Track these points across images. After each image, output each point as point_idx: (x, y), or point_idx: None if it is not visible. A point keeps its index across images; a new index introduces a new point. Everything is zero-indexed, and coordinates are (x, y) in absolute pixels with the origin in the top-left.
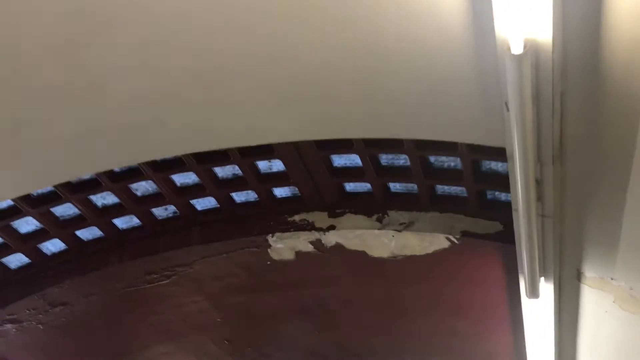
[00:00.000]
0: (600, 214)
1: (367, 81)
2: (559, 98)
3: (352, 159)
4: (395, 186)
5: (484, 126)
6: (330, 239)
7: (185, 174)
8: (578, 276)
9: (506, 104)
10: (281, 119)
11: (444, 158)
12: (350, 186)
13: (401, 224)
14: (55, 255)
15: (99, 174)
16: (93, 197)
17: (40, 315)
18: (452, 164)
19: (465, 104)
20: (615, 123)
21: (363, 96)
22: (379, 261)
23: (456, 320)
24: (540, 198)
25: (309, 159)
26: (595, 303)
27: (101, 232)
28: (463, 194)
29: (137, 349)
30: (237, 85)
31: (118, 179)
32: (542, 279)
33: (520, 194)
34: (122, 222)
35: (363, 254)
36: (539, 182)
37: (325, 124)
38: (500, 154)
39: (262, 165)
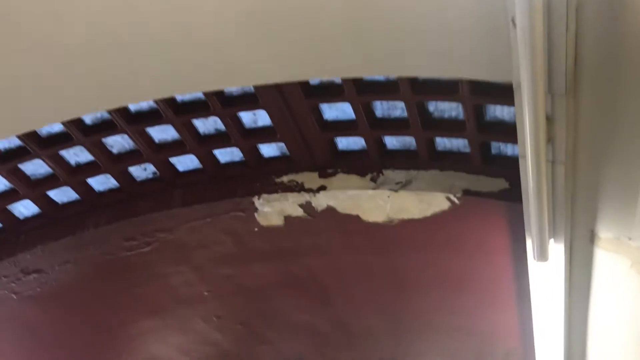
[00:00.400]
0: (619, 159)
1: (355, 5)
2: (574, 10)
3: (344, 111)
4: (391, 142)
5: (488, 56)
6: (321, 201)
7: (164, 128)
8: (591, 238)
9: (512, 20)
10: (262, 57)
11: (444, 106)
12: (342, 143)
13: (397, 183)
14: (27, 219)
15: (68, 126)
16: (65, 154)
17: (13, 284)
18: (454, 113)
19: (467, 29)
20: None
21: (351, 25)
22: (374, 227)
23: (458, 293)
24: (551, 139)
25: (297, 109)
26: (610, 268)
27: (76, 194)
28: (465, 150)
29: (121, 324)
30: (210, 19)
31: (90, 132)
32: (552, 240)
33: (528, 133)
34: (99, 184)
35: (357, 218)
36: (549, 119)
37: (309, 61)
38: (505, 94)
39: (246, 118)
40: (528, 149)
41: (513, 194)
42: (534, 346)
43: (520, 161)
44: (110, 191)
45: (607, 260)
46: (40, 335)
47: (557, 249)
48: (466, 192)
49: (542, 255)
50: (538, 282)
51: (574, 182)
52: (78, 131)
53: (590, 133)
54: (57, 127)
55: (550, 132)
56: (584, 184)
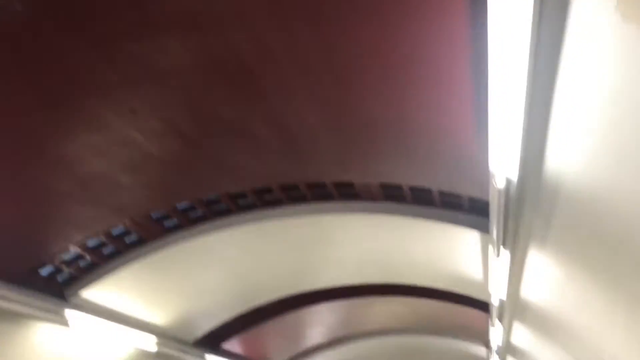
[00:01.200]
0: None
1: None
2: None
3: None
4: None
5: None
6: None
7: None
8: None
9: None
10: None
11: None
12: None
13: None
14: None
15: None
16: None
17: None
18: None
19: None
20: None
21: None
22: None
23: (408, 74)
24: None
25: None
26: (589, 17)
27: None
28: None
29: (11, 115)
30: None
31: None
32: None
33: None
34: None
35: None
36: None
37: None
38: None
39: None
40: None
41: None
42: (487, 148)
43: None
44: None
45: (586, 5)
46: None
47: None
48: None
49: None
50: (498, 35)
51: None
52: None
53: None
54: None
55: None
56: None
